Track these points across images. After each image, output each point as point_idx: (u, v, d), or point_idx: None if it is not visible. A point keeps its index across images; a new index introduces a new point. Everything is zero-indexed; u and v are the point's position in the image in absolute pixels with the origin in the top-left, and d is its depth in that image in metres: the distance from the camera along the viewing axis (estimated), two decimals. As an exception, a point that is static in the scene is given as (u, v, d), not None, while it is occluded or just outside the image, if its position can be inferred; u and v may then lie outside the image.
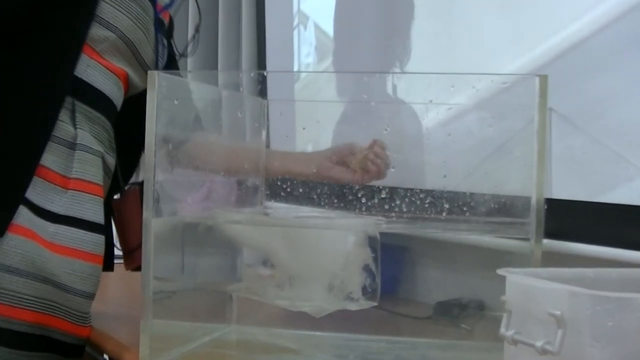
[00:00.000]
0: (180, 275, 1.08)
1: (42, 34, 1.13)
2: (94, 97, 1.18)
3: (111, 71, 1.20)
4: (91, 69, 1.17)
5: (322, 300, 1.00)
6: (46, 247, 1.10)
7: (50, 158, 1.12)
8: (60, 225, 1.12)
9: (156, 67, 1.25)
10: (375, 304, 1.00)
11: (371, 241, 1.01)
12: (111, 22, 1.18)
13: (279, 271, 1.03)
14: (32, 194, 1.10)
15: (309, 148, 1.24)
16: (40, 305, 1.10)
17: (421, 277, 1.35)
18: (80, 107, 1.16)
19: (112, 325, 1.22)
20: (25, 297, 1.09)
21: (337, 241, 1.02)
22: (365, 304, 1.00)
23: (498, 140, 1.01)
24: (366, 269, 1.00)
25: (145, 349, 0.96)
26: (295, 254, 1.03)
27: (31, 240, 1.09)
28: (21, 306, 1.09)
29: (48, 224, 1.11)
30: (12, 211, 1.08)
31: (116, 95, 1.22)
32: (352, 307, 1.00)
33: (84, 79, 1.17)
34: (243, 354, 1.08)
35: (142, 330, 0.97)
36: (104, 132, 1.20)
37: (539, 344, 0.70)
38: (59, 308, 1.12)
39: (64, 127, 1.14)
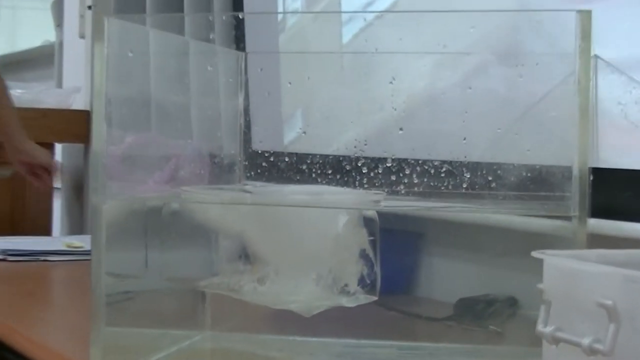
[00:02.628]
0: (141, 271, 1.07)
1: None
2: None
3: None
4: None
5: (311, 295, 0.99)
6: None
7: None
8: None
9: None
10: (375, 298, 1.00)
11: (367, 222, 1.00)
12: None
13: (258, 261, 1.03)
14: None
15: (298, 109, 1.24)
16: None
17: (438, 269, 1.35)
18: None
19: (55, 336, 1.22)
20: None
21: (325, 222, 1.02)
22: (363, 298, 1.00)
23: (531, 96, 1.01)
24: (363, 255, 1.00)
25: (96, 365, 0.96)
26: (275, 240, 1.03)
27: None
28: None
29: None
30: None
31: None
32: (348, 302, 1.00)
33: None
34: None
35: (92, 342, 0.97)
36: None
37: (586, 341, 0.70)
38: None
39: None
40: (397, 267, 1.34)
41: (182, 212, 1.08)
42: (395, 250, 1.31)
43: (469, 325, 1.17)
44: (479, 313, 1.17)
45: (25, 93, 2.48)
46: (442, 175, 1.04)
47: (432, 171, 1.04)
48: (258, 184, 1.16)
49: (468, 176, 1.03)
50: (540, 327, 0.75)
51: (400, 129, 1.09)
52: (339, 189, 1.09)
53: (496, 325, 1.14)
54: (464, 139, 1.04)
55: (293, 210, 1.04)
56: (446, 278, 1.33)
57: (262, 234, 1.04)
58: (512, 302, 1.17)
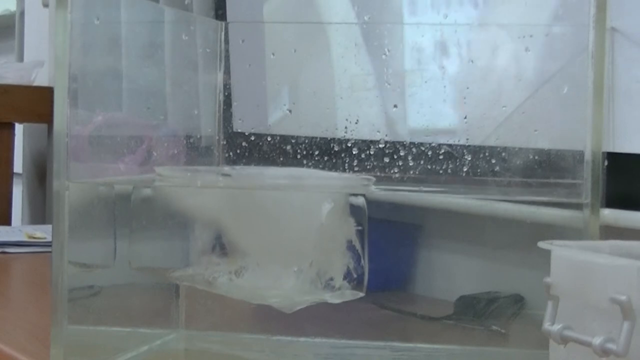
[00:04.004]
0: (109, 262, 1.07)
1: None
2: None
3: None
4: None
5: (293, 290, 0.99)
6: None
7: None
8: None
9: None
10: (362, 294, 1.00)
11: (354, 210, 1.00)
12: None
13: (235, 252, 1.03)
14: None
15: (284, 86, 1.23)
16: None
17: (437, 263, 1.35)
18: None
19: (13, 334, 1.22)
20: None
21: (308, 209, 1.01)
22: (349, 294, 1.00)
23: (540, 72, 1.01)
24: (349, 247, 1.00)
25: (57, 367, 0.95)
26: (254, 228, 1.03)
27: None
28: None
29: None
30: None
31: None
32: (333, 298, 1.00)
33: None
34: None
35: (53, 341, 0.96)
36: None
37: (597, 341, 0.70)
38: None
39: None
40: (392, 261, 1.34)
41: (154, 198, 1.07)
42: (390, 242, 1.31)
43: (469, 324, 1.17)
44: (480, 312, 1.18)
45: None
46: (441, 158, 1.04)
47: (430, 154, 1.04)
48: (238, 167, 1.16)
49: (469, 159, 1.04)
50: (546, 325, 0.75)
51: (395, 106, 1.09)
52: (323, 172, 1.08)
53: (499, 325, 1.15)
54: (465, 117, 1.04)
55: (272, 196, 1.04)
56: (446, 273, 1.33)
57: (239, 222, 1.03)
58: (517, 300, 1.18)
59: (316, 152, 1.11)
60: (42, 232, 1.98)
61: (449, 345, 1.12)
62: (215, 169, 1.16)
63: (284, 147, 1.14)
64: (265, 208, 1.02)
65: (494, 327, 1.15)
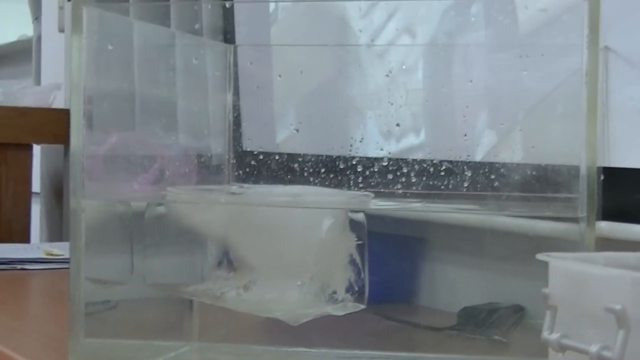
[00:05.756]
0: (124, 277, 1.08)
1: None
2: None
3: None
4: None
5: (298, 303, 1.00)
6: None
7: None
8: None
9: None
10: (363, 306, 1.00)
11: (355, 225, 1.00)
12: None
13: (242, 267, 1.03)
14: None
15: (291, 106, 1.24)
16: None
17: (439, 275, 1.35)
18: None
19: (30, 348, 1.22)
20: None
21: (310, 225, 1.02)
22: (351, 307, 1.00)
23: (536, 90, 1.01)
24: (350, 261, 1.00)
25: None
26: (259, 244, 1.03)
27: None
28: None
29: None
30: None
31: None
32: (336, 311, 1.00)
33: None
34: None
35: (70, 354, 0.97)
36: None
37: (594, 349, 0.70)
38: None
39: None
40: (395, 274, 1.34)
41: (167, 215, 1.08)
42: (393, 255, 1.31)
43: (472, 334, 1.17)
44: (483, 322, 1.18)
45: (2, 91, 2.48)
46: (442, 174, 1.04)
47: (431, 170, 1.05)
48: (246, 185, 1.16)
49: (469, 175, 1.04)
50: (545, 334, 0.76)
51: (397, 125, 1.09)
52: (323, 189, 1.09)
53: (501, 334, 1.14)
54: (465, 135, 1.04)
55: (276, 213, 1.04)
56: (448, 285, 1.33)
57: (245, 239, 1.04)
58: (517, 310, 1.17)
59: (322, 170, 1.12)
60: (60, 249, 1.98)
61: (452, 354, 1.12)
62: (224, 188, 1.17)
63: (292, 165, 1.14)
64: (270, 225, 1.03)
65: (496, 337, 1.15)
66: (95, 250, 1.00)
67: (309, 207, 1.04)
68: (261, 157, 1.15)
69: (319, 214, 1.02)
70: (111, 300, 1.07)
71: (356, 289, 1.00)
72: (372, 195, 1.03)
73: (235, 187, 1.14)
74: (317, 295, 1.00)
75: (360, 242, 1.01)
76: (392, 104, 1.10)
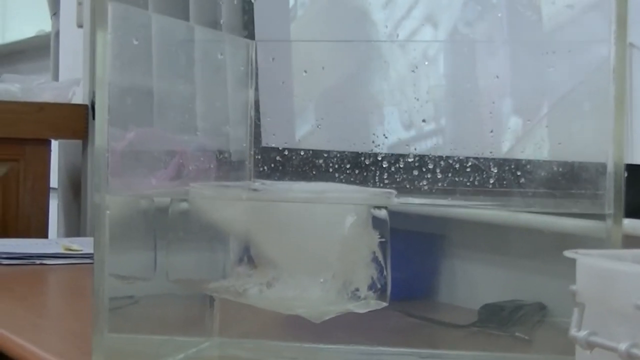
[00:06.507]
0: (148, 273, 1.08)
1: None
2: None
3: None
4: None
5: (320, 300, 1.00)
6: None
7: None
8: None
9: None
10: (386, 304, 1.00)
11: (377, 222, 1.00)
12: None
13: (264, 264, 1.03)
14: None
15: (312, 102, 1.23)
16: None
17: (462, 272, 1.35)
18: None
19: (53, 343, 1.22)
20: None
21: (332, 222, 1.02)
22: (374, 304, 1.00)
23: (562, 86, 1.01)
24: (373, 258, 1.00)
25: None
26: (281, 241, 1.03)
27: None
28: None
29: None
30: None
31: None
32: (358, 308, 1.00)
33: None
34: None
35: (94, 348, 0.97)
36: None
37: (623, 346, 0.69)
38: None
39: None
40: (417, 271, 1.34)
41: (190, 211, 1.08)
42: (415, 252, 1.31)
43: (494, 331, 1.17)
44: (505, 319, 1.17)
45: (21, 87, 2.49)
46: (468, 171, 1.04)
47: (457, 167, 1.04)
48: (268, 182, 1.16)
49: (495, 172, 1.03)
50: (573, 332, 0.75)
51: (423, 121, 1.09)
52: (346, 186, 1.09)
53: (523, 332, 1.14)
54: (491, 131, 1.04)
55: (298, 210, 1.04)
56: (470, 282, 1.33)
57: (267, 235, 1.04)
58: (540, 308, 1.17)
59: (345, 166, 1.12)
60: (78, 245, 1.98)
61: (474, 352, 1.12)
62: (246, 184, 1.16)
63: (314, 161, 1.14)
64: (292, 221, 1.03)
65: (518, 334, 1.14)
66: (118, 246, 1.00)
67: (331, 203, 1.04)
68: (284, 153, 1.15)
69: (341, 211, 1.02)
70: (134, 296, 1.07)
71: (379, 286, 1.00)
72: (395, 192, 1.03)
73: (257, 184, 1.14)
74: (340, 292, 1.00)
75: (383, 240, 1.00)
76: (417, 99, 1.10)
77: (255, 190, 1.12)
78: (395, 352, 1.10)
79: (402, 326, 1.16)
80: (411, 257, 1.28)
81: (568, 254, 0.78)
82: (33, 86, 2.51)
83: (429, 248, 1.34)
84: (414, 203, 1.07)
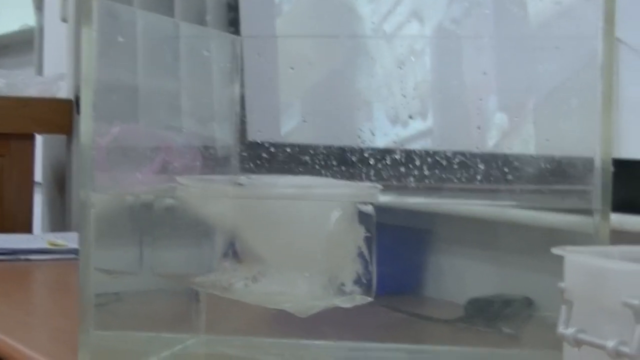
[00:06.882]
0: (133, 268, 1.07)
1: None
2: None
3: None
4: None
5: (306, 295, 0.99)
6: None
7: None
8: None
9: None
10: (371, 298, 1.00)
11: (363, 217, 1.00)
12: None
13: (250, 259, 1.03)
14: None
15: (298, 97, 1.23)
16: None
17: (448, 267, 1.34)
18: None
19: (39, 341, 1.21)
20: None
21: (318, 217, 1.02)
22: (359, 299, 1.00)
23: (549, 83, 1.01)
24: (358, 253, 1.00)
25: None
26: (267, 236, 1.03)
27: None
28: None
29: None
30: None
31: None
32: (344, 303, 1.00)
33: None
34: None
35: (80, 347, 0.96)
36: None
37: (610, 344, 0.69)
38: None
39: None
40: (403, 266, 1.34)
41: (175, 206, 1.07)
42: (401, 247, 1.31)
43: (481, 327, 1.17)
44: (492, 314, 1.17)
45: (6, 82, 2.48)
46: (455, 167, 1.04)
47: (444, 163, 1.04)
48: (254, 176, 1.16)
49: (482, 168, 1.03)
50: (561, 329, 0.75)
51: (410, 117, 1.09)
52: (332, 181, 1.08)
53: (510, 327, 1.14)
54: (478, 127, 1.04)
55: (283, 205, 1.04)
56: (456, 277, 1.33)
57: (253, 230, 1.04)
58: (527, 303, 1.17)
59: (331, 162, 1.11)
60: (63, 240, 1.98)
61: (462, 347, 1.12)
62: (231, 179, 1.16)
63: (300, 157, 1.13)
64: (277, 216, 1.03)
65: (505, 330, 1.14)
66: (104, 242, 0.99)
67: (317, 200, 1.04)
68: (270, 148, 1.14)
69: (327, 206, 1.02)
70: (120, 292, 1.07)
71: (364, 281, 1.00)
72: (381, 187, 1.02)
73: (242, 178, 1.14)
74: (325, 287, 1.00)
75: (368, 235, 1.00)
76: (404, 95, 1.09)
77: (240, 185, 1.11)
78: (382, 347, 1.10)
79: (389, 322, 1.16)
80: (398, 252, 1.28)
81: (556, 251, 0.78)
82: (17, 81, 2.51)
83: (416, 242, 1.33)
84: (397, 202, 1.07)
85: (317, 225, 1.01)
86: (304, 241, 1.02)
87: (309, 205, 1.03)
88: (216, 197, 1.08)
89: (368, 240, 1.00)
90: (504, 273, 1.23)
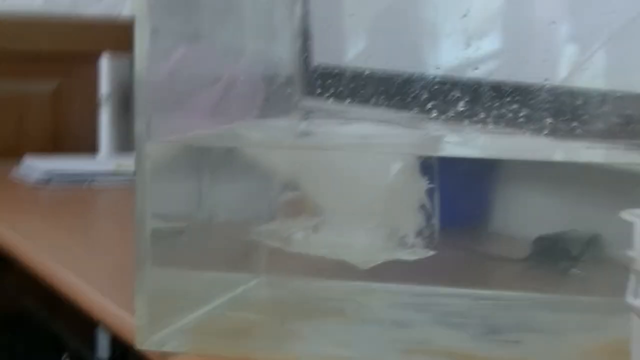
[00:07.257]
0: (192, 212, 1.06)
1: None
2: None
3: None
4: None
5: (367, 247, 0.98)
6: None
7: None
8: None
9: None
10: (433, 252, 0.99)
11: (426, 167, 0.97)
12: None
13: (311, 209, 1.01)
14: None
15: (365, 18, 1.18)
16: None
17: (515, 203, 1.31)
18: None
19: (99, 276, 1.20)
20: None
21: (378, 168, 0.99)
22: (422, 252, 0.98)
23: (625, 13, 0.95)
24: (421, 205, 0.98)
25: (142, 316, 0.93)
26: (329, 186, 1.02)
27: None
28: None
29: None
30: None
31: None
32: (406, 256, 0.98)
33: None
34: (277, 321, 1.05)
35: (138, 290, 0.95)
36: None
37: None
38: None
39: None
40: (468, 200, 1.31)
41: (235, 152, 1.05)
42: (465, 179, 1.28)
43: (548, 267, 1.14)
44: (560, 253, 1.14)
45: (70, 2, 2.47)
46: (522, 99, 0.99)
47: (515, 96, 0.99)
48: (316, 121, 1.12)
49: (551, 102, 0.99)
50: (629, 300, 0.73)
51: (472, 46, 1.04)
52: (394, 130, 1.05)
53: (579, 267, 1.11)
54: (545, 60, 0.98)
55: (344, 155, 1.02)
56: (524, 213, 1.29)
57: (313, 180, 1.02)
58: (596, 241, 1.13)
59: (396, 91, 1.07)
60: (129, 161, 1.98)
61: (530, 292, 1.09)
62: (292, 125, 1.13)
63: (364, 84, 1.10)
64: (338, 166, 1.01)
65: (573, 270, 1.11)
66: (161, 185, 0.97)
67: (378, 152, 1.01)
68: (335, 74, 1.11)
69: (388, 157, 0.99)
70: (179, 232, 1.05)
71: (427, 234, 0.98)
72: (446, 134, 0.99)
73: (304, 125, 1.10)
74: (387, 239, 0.99)
75: (431, 186, 0.98)
76: (471, 20, 1.04)
77: (303, 134, 1.09)
78: (445, 292, 1.08)
79: (452, 261, 1.13)
80: (464, 183, 1.25)
81: (625, 215, 0.74)
82: (81, 1, 2.50)
83: (481, 179, 1.30)
84: (461, 153, 1.03)
85: (378, 177, 1.00)
86: (365, 193, 1.00)
87: (370, 157, 1.01)
88: (276, 147, 1.06)
89: (430, 192, 0.98)
90: (574, 209, 1.20)
